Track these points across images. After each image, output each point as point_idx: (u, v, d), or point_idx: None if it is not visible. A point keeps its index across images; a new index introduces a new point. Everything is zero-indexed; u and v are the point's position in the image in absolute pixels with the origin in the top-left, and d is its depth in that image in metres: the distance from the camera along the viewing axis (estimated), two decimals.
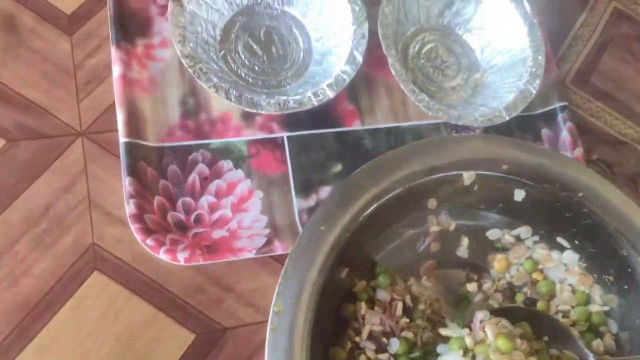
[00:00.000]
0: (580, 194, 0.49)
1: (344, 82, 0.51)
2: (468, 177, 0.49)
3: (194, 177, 0.50)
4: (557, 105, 0.59)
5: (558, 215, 0.50)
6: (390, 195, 0.47)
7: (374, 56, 0.55)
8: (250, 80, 0.54)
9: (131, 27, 0.52)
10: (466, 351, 0.42)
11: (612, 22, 0.68)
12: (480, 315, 0.44)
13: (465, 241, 0.52)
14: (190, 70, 0.49)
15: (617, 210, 0.49)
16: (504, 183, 0.50)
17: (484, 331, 0.42)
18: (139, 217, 0.47)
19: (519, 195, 0.50)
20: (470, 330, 0.44)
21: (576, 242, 0.50)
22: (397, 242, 0.51)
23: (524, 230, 0.51)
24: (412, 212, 0.51)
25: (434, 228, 0.51)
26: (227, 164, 0.52)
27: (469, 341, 0.42)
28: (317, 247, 0.44)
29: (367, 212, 0.46)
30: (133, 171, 0.48)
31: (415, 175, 0.48)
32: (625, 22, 0.68)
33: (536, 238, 0.52)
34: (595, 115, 0.63)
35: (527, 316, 0.47)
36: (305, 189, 0.52)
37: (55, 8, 0.54)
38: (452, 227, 0.52)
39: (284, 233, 0.50)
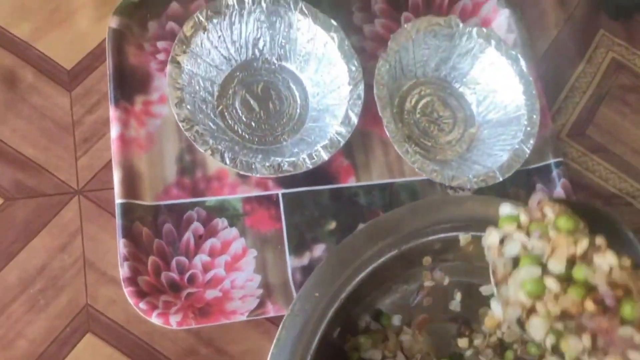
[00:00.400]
0: None
1: (338, 143, 0.52)
2: (464, 238, 0.49)
3: (188, 236, 0.51)
4: (552, 161, 0.59)
5: None
6: (385, 257, 0.48)
7: (370, 112, 0.55)
8: (247, 136, 0.54)
9: (130, 85, 0.53)
10: (519, 228, 0.38)
11: (609, 73, 0.68)
12: (538, 195, 0.40)
13: (458, 295, 0.52)
14: (187, 134, 0.49)
15: None
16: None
17: (542, 212, 0.38)
18: (132, 280, 0.47)
19: None
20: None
21: None
22: (391, 298, 0.51)
23: None
24: (407, 270, 0.51)
25: (428, 283, 0.51)
26: (222, 222, 0.52)
27: (523, 218, 0.38)
28: (311, 314, 0.44)
29: (362, 275, 0.47)
30: (128, 232, 0.48)
31: (412, 237, 0.48)
32: (623, 73, 0.68)
33: None
34: (590, 169, 0.63)
35: (583, 213, 0.41)
36: (299, 247, 0.53)
37: (55, 63, 0.54)
38: (446, 282, 0.52)
39: (276, 293, 0.51)
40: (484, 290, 0.51)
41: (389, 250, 0.47)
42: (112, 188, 0.50)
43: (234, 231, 0.52)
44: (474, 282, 0.52)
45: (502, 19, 0.63)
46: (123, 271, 0.47)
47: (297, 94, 0.57)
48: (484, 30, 0.58)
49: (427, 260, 0.50)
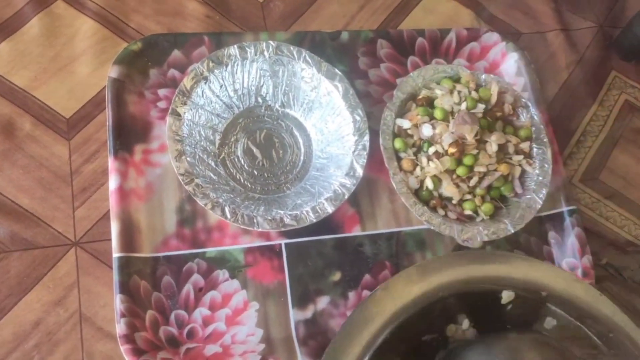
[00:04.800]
0: (611, 335, 0.46)
1: (343, 196, 0.50)
2: (507, 296, 0.47)
3: (188, 289, 0.49)
4: (565, 209, 0.58)
5: (586, 347, 0.48)
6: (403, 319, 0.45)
7: (376, 158, 0.54)
8: (249, 185, 0.53)
9: (130, 134, 0.52)
10: None
11: (622, 115, 0.66)
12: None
13: None
14: (187, 187, 0.48)
15: None
16: (539, 309, 0.48)
17: None
18: (129, 338, 0.46)
19: (550, 323, 0.48)
20: None
21: None
22: None
23: None
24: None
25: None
26: (222, 273, 0.50)
27: None
28: None
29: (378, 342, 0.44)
30: (125, 288, 0.47)
31: (459, 284, 0.46)
32: (637, 116, 0.67)
33: None
34: (604, 216, 0.62)
35: None
36: (302, 299, 0.51)
37: (54, 112, 0.53)
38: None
39: (279, 349, 0.49)
40: None
41: (434, 295, 0.45)
42: (110, 239, 0.48)
43: (235, 283, 0.50)
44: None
45: (510, 63, 0.62)
46: (119, 328, 0.46)
47: (300, 140, 0.55)
48: (492, 77, 0.56)
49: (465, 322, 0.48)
